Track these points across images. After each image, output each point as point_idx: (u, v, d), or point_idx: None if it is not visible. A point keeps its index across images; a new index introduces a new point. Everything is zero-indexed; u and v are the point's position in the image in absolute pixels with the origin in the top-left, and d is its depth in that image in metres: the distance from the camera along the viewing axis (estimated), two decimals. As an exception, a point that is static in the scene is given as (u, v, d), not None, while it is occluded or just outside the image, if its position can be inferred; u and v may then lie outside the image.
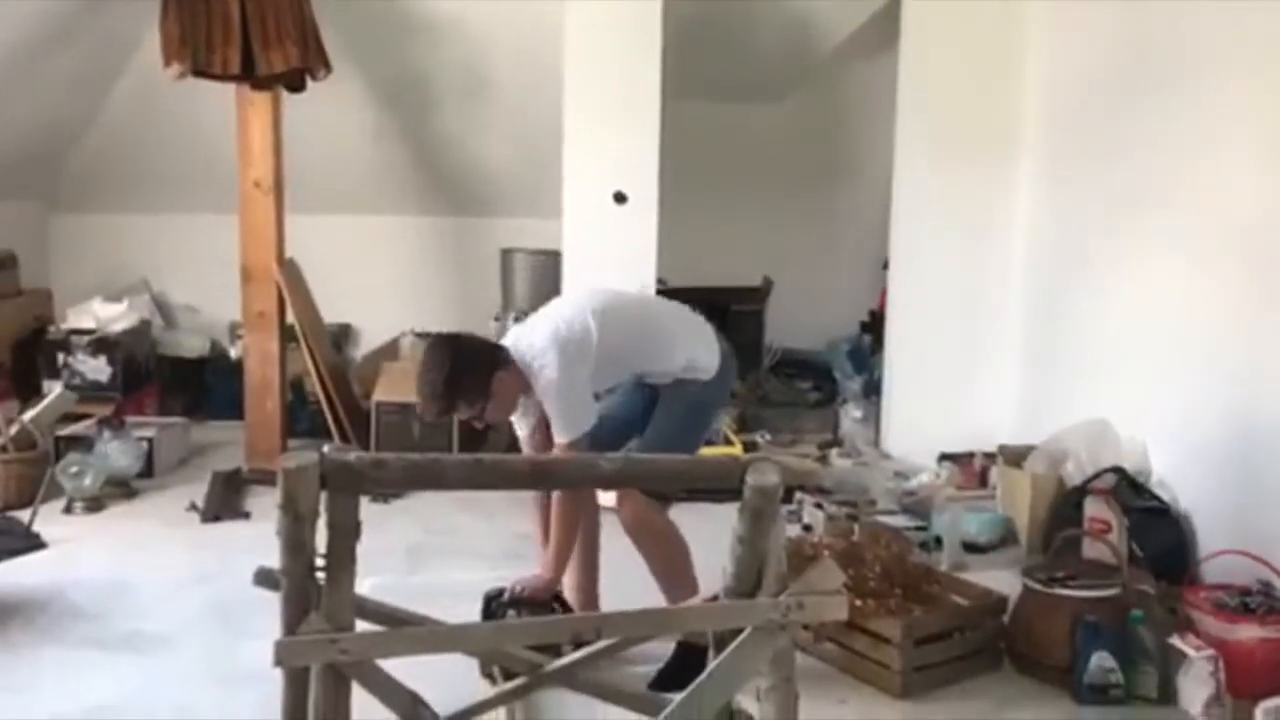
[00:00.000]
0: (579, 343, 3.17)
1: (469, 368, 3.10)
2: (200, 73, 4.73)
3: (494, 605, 3.26)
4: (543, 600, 3.21)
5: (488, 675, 2.92)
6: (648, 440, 3.30)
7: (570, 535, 3.21)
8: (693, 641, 2.95)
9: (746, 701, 2.30)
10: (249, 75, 4.83)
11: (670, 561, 3.31)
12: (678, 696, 2.15)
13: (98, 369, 5.71)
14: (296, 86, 5.04)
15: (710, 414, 3.53)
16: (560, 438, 3.15)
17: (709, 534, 3.80)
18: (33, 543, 4.20)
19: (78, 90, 5.75)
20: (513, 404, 3.25)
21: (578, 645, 2.51)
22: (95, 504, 4.65)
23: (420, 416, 4.28)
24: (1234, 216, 3.75)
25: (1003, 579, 3.68)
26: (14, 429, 4.76)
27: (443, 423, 5.12)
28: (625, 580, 3.36)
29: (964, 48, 5.15)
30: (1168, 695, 3.06)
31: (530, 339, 3.19)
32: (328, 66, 5.02)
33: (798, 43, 6.18)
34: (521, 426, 3.40)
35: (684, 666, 2.91)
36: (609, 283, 3.89)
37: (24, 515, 4.40)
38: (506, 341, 3.26)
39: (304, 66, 4.91)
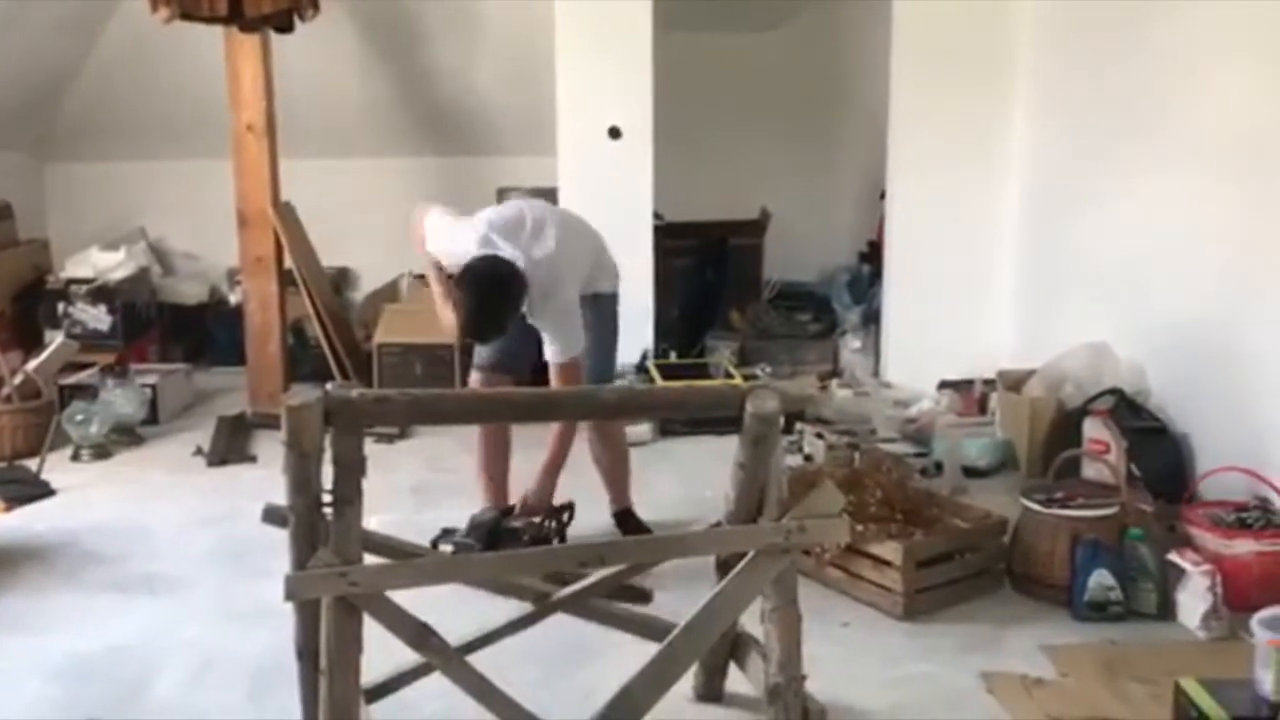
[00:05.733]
0: (569, 265, 3.32)
1: (507, 293, 3.18)
2: (188, 15, 4.68)
3: (501, 526, 3.40)
4: (548, 510, 3.47)
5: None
6: (596, 356, 3.49)
7: (565, 453, 3.42)
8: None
9: (751, 625, 2.34)
10: (237, 17, 4.78)
11: (627, 464, 3.72)
12: (682, 622, 2.19)
13: (98, 317, 5.73)
14: (285, 27, 4.99)
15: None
16: (562, 357, 3.29)
17: (703, 466, 3.87)
18: (42, 490, 4.25)
19: (66, 36, 5.69)
20: None
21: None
22: (102, 451, 4.69)
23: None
24: (1231, 135, 3.73)
25: (1003, 502, 3.72)
26: (18, 379, 4.78)
27: (445, 358, 5.17)
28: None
29: (959, -29, 5.09)
30: (1166, 611, 3.11)
31: (535, 257, 3.23)
32: (315, 6, 4.95)
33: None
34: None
35: None
36: (608, 219, 3.86)
37: (32, 464, 4.46)
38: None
39: (291, 6, 4.85)
